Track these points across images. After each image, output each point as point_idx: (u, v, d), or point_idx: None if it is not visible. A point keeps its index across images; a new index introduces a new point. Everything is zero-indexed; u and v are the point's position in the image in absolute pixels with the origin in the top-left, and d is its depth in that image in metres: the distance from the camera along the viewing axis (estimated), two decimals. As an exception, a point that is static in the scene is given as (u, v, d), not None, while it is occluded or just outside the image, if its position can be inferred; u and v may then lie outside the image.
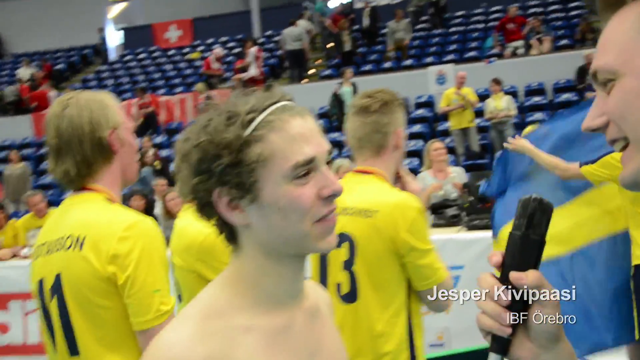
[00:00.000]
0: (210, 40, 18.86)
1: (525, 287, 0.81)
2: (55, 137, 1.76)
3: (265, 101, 1.00)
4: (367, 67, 14.89)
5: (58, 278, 1.71)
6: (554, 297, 0.82)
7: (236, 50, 17.53)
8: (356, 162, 2.27)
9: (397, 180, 2.31)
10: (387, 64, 14.78)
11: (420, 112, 12.60)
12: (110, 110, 1.79)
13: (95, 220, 1.71)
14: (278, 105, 1.00)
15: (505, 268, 0.83)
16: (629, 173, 0.78)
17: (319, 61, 16.96)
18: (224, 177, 0.97)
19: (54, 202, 10.24)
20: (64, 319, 1.71)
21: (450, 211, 5.70)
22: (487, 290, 0.83)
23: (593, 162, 3.62)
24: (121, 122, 1.82)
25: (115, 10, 22.31)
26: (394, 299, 2.10)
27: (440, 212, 5.80)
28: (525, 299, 0.82)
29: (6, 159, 12.51)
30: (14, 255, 6.63)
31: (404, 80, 13.14)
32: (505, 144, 3.94)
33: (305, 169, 0.99)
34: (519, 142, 3.72)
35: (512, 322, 0.82)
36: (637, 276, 3.29)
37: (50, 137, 1.77)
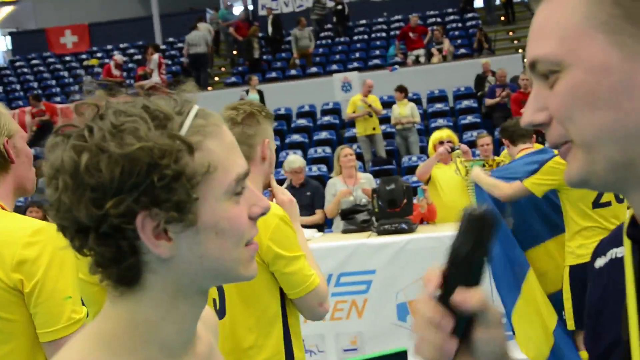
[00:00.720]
0: (109, 47, 18.21)
1: (471, 309, 0.72)
2: None
3: (183, 103, 0.81)
4: (273, 75, 14.85)
5: None
6: (498, 314, 0.75)
7: (137, 57, 17.02)
8: None
9: (269, 192, 2.34)
10: (293, 72, 14.82)
11: (327, 119, 12.68)
12: (2, 118, 1.70)
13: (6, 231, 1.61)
14: (197, 107, 0.82)
15: (447, 289, 0.73)
16: (575, 172, 0.72)
17: (224, 69, 16.76)
18: (158, 195, 0.74)
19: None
20: None
21: (361, 216, 5.71)
22: (428, 316, 0.73)
23: (533, 173, 3.77)
24: (16, 131, 1.73)
25: (2, 13, 21.11)
26: (266, 310, 2.09)
27: (351, 217, 5.81)
28: (469, 322, 0.74)
29: None
30: None
31: (310, 87, 13.22)
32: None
33: (242, 184, 0.83)
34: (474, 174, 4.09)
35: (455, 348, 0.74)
36: (572, 275, 3.77)
37: None
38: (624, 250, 0.77)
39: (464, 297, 0.72)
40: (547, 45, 0.71)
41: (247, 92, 12.24)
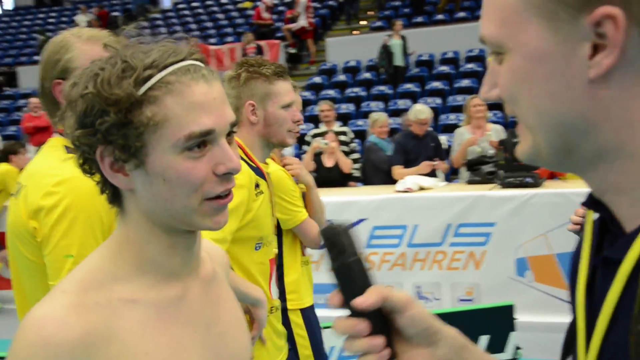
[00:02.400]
0: (263, -11, 18.74)
1: (373, 306, 0.75)
2: None
3: (168, 58, 0.89)
4: (419, 19, 14.55)
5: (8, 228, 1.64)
6: (403, 298, 0.76)
7: (287, 0, 17.38)
8: None
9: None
10: (440, 17, 14.42)
11: (470, 66, 12.29)
12: None
13: (37, 170, 1.63)
14: (182, 64, 0.90)
15: (347, 303, 0.77)
16: (524, 151, 0.72)
17: (371, 12, 16.67)
18: (108, 135, 0.87)
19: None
20: (14, 273, 1.65)
21: (486, 168, 5.62)
22: (346, 332, 0.76)
23: None
24: None
25: (170, -43, 22.32)
26: None
27: (477, 168, 5.73)
28: (383, 317, 0.77)
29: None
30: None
31: (455, 33, 12.83)
32: None
33: (200, 141, 0.89)
34: None
35: (385, 344, 0.76)
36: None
37: None
38: (587, 219, 0.77)
39: (360, 299, 0.75)
40: (490, 26, 0.69)
41: (389, 37, 12.14)
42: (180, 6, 19.58)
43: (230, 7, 18.67)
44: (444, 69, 12.44)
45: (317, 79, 13.34)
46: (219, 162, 0.91)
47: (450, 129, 9.65)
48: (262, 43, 13.96)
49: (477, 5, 14.72)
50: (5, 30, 20.48)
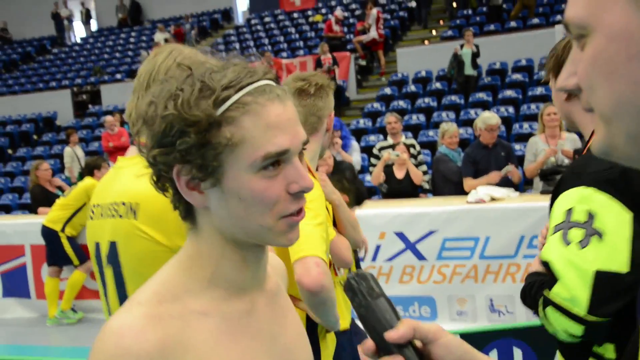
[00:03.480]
0: (332, 3, 18.95)
1: (403, 339, 0.79)
2: None
3: (244, 78, 0.91)
4: (491, 27, 14.34)
5: (114, 247, 1.63)
6: (433, 327, 0.79)
7: (357, 12, 17.50)
8: None
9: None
10: (512, 24, 14.16)
11: (544, 73, 11.96)
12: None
13: (147, 188, 1.61)
14: (258, 84, 0.91)
15: (380, 344, 0.82)
16: (598, 144, 0.69)
17: (442, 22, 16.56)
18: (186, 155, 0.89)
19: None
20: (120, 288, 1.65)
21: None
22: None
23: None
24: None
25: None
26: None
27: (551, 178, 5.60)
28: (417, 351, 0.81)
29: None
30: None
31: (528, 40, 12.57)
32: None
33: (275, 161, 0.91)
34: None
35: None
36: None
37: None
38: None
39: (391, 334, 0.79)
40: (576, 7, 0.66)
41: (461, 46, 12.01)
42: (253, 22, 20.05)
43: (301, 21, 18.97)
44: (517, 77, 12.20)
45: (388, 90, 13.34)
46: (293, 181, 0.92)
47: (524, 138, 9.45)
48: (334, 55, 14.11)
49: (552, 10, 14.38)
50: (90, 51, 21.53)
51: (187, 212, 0.97)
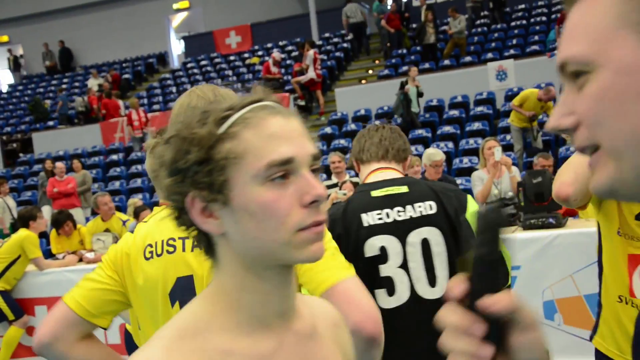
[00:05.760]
0: (269, 45, 19.10)
1: (500, 312, 0.68)
2: None
3: (245, 100, 0.92)
4: (426, 66, 14.73)
5: (180, 281, 1.68)
6: (534, 319, 0.70)
7: (294, 54, 17.68)
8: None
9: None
10: (446, 62, 14.59)
11: (480, 109, 12.34)
12: None
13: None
14: (259, 104, 0.92)
15: (473, 294, 0.69)
16: (603, 180, 0.67)
17: (377, 61, 16.90)
18: (195, 177, 0.88)
19: (121, 208, 10.59)
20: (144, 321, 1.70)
21: (506, 210, 5.56)
22: (457, 325, 0.68)
23: None
24: None
25: (177, 19, 22.91)
26: None
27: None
28: (501, 326, 0.69)
29: (71, 167, 12.93)
30: (80, 260, 6.89)
31: (462, 77, 12.95)
32: None
33: (282, 171, 0.88)
34: None
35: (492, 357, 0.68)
36: None
37: None
38: None
39: (492, 300, 0.67)
40: (578, 45, 0.68)
41: (403, 83, 12.00)
42: (189, 65, 19.96)
43: (238, 63, 19.01)
44: (454, 113, 12.50)
45: (328, 129, 13.43)
46: (304, 192, 0.89)
47: (465, 172, 9.62)
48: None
49: (482, 49, 14.91)
50: (19, 99, 20.92)
51: (208, 246, 0.95)
